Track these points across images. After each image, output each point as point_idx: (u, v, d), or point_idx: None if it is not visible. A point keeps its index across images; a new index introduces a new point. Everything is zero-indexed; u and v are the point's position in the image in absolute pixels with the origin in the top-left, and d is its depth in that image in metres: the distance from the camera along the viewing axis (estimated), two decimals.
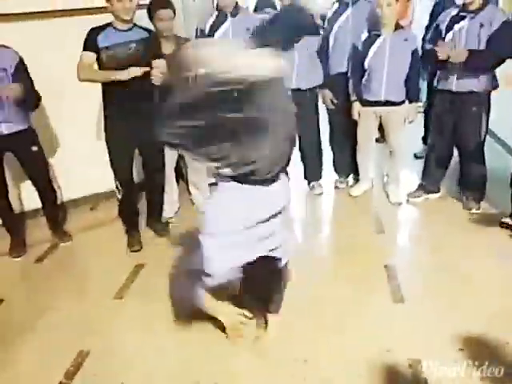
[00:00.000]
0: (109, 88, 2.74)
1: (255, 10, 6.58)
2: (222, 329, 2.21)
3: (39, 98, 2.96)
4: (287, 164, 1.82)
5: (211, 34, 3.21)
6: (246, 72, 1.50)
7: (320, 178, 3.83)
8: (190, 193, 3.60)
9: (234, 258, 1.84)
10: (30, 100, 2.87)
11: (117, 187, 3.00)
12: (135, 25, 2.78)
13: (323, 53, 3.42)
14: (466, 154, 3.24)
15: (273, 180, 1.77)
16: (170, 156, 3.26)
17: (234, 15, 3.20)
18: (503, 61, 2.92)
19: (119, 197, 3.02)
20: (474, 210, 3.26)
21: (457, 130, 3.17)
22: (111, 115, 2.85)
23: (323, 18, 3.46)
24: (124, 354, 2.20)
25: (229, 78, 1.48)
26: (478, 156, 3.20)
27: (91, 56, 2.68)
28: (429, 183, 3.48)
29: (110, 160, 2.91)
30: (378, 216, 3.35)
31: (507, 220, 3.00)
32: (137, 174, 3.24)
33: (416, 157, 4.20)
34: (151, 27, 2.98)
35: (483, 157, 3.21)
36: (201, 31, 3.26)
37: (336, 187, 3.83)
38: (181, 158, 3.43)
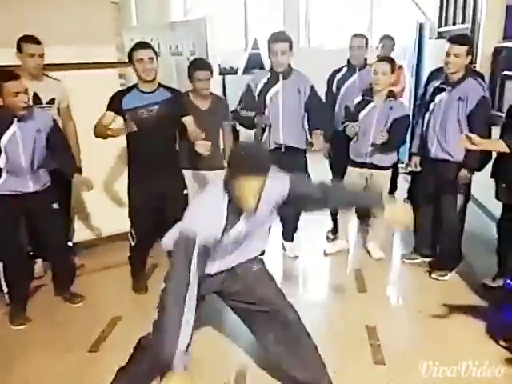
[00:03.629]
0: (134, 148, 2.89)
1: (245, 71, 6.87)
2: None
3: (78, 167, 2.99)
4: None
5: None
6: None
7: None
8: None
9: None
10: (68, 166, 2.85)
11: (131, 234, 3.07)
12: (160, 85, 2.90)
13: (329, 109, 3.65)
14: (444, 219, 3.16)
15: None
16: None
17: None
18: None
19: (132, 243, 3.10)
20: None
21: (438, 196, 3.17)
22: (134, 173, 2.96)
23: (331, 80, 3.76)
24: None
25: None
26: (457, 223, 3.15)
27: (112, 116, 2.82)
28: (422, 247, 3.43)
29: (129, 211, 3.02)
30: (359, 275, 3.36)
31: (487, 282, 3.05)
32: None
33: None
34: None
35: (462, 224, 3.19)
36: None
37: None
38: None
